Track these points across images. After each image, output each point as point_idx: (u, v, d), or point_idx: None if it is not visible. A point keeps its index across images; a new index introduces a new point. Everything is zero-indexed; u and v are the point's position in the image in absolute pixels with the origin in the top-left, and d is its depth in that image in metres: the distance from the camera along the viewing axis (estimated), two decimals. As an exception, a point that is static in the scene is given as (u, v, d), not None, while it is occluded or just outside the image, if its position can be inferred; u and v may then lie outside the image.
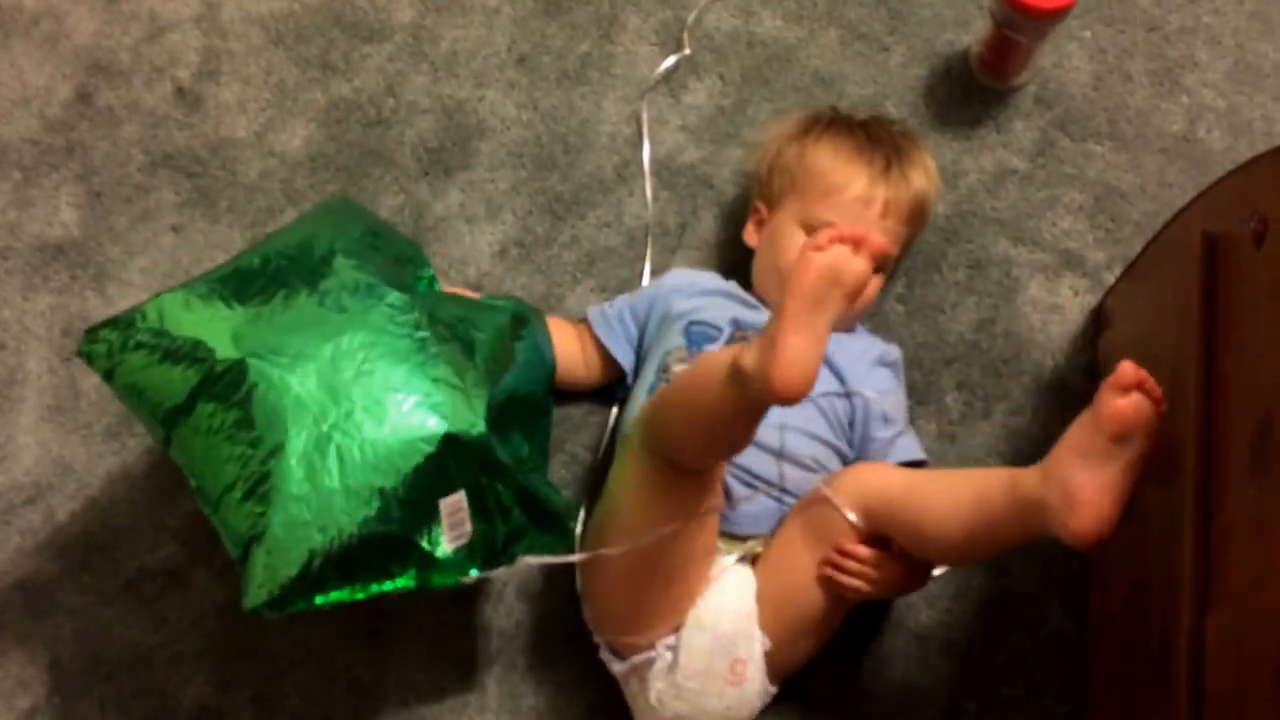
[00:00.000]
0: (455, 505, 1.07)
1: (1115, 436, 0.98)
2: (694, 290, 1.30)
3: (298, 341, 1.07)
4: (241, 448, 1.05)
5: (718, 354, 1.03)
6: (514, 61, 1.49)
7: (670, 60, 1.47)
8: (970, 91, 1.45)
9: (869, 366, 1.26)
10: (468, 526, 1.08)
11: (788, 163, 1.29)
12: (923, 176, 1.28)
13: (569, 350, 1.31)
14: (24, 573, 1.32)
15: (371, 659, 1.27)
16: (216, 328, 1.09)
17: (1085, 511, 0.98)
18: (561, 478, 1.33)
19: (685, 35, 1.48)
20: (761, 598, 1.16)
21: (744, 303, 1.28)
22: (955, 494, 1.08)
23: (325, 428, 1.04)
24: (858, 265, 0.99)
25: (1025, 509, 1.02)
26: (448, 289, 1.26)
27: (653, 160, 1.44)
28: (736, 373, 0.98)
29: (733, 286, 1.31)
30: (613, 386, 1.34)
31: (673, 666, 1.15)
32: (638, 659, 1.17)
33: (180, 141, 1.47)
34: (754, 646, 1.15)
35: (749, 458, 1.18)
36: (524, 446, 1.16)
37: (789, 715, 1.25)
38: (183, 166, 1.46)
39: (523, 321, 1.19)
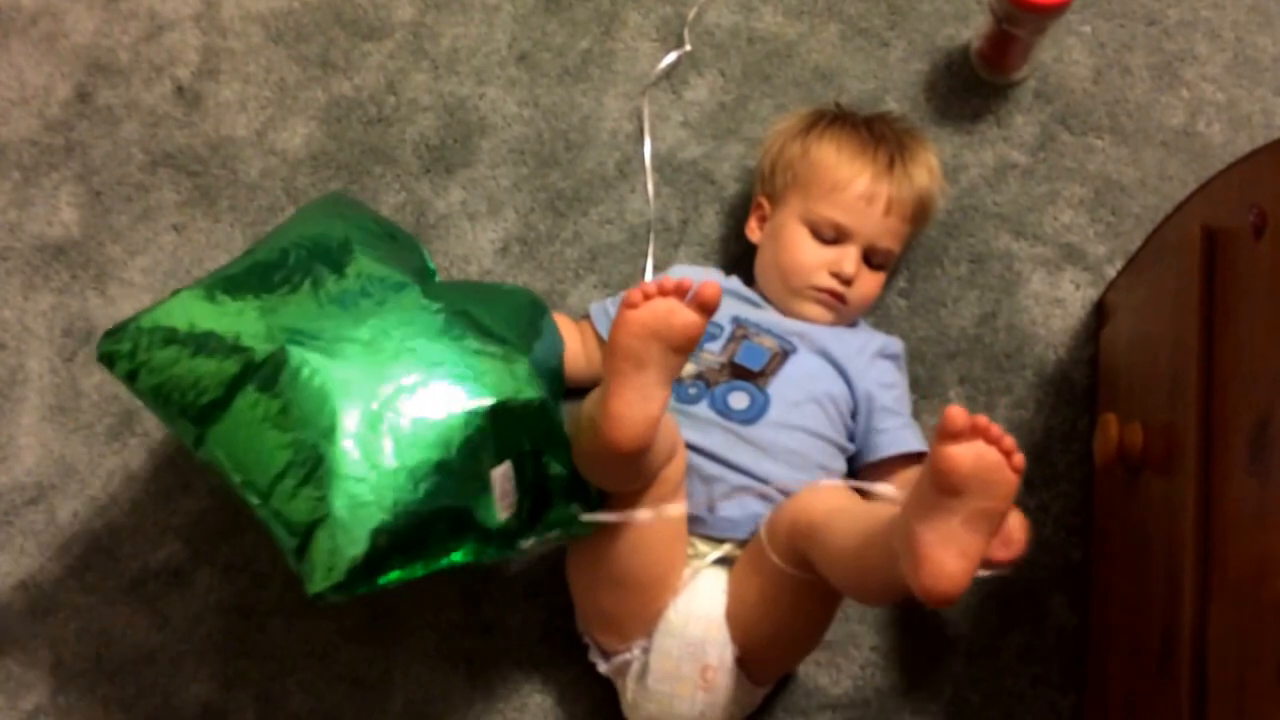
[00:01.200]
0: (505, 475, 1.08)
1: (943, 488, 0.90)
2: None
3: (332, 326, 1.07)
4: (291, 434, 1.03)
5: (592, 396, 1.07)
6: (515, 58, 1.49)
7: (671, 56, 1.47)
8: (970, 86, 1.45)
9: (870, 359, 1.26)
10: (515, 495, 1.09)
11: (791, 159, 1.29)
12: (926, 174, 1.28)
13: (571, 347, 1.31)
14: (26, 573, 1.32)
15: (375, 657, 1.28)
16: (247, 319, 1.08)
17: (926, 567, 0.90)
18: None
19: (686, 31, 1.48)
20: (730, 606, 1.15)
21: (745, 300, 1.29)
22: (854, 528, 1.03)
23: (375, 406, 1.03)
24: (684, 317, 1.00)
25: (893, 559, 0.95)
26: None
27: (654, 156, 1.44)
28: (587, 422, 1.02)
29: (734, 283, 1.31)
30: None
31: (644, 670, 1.16)
32: (617, 660, 1.18)
33: (180, 140, 1.47)
34: (725, 653, 1.14)
35: (738, 454, 1.18)
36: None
37: (792, 710, 1.25)
38: (183, 165, 1.46)
39: (538, 304, 1.21)
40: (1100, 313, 1.36)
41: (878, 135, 1.28)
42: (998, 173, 1.42)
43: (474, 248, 1.41)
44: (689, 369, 1.22)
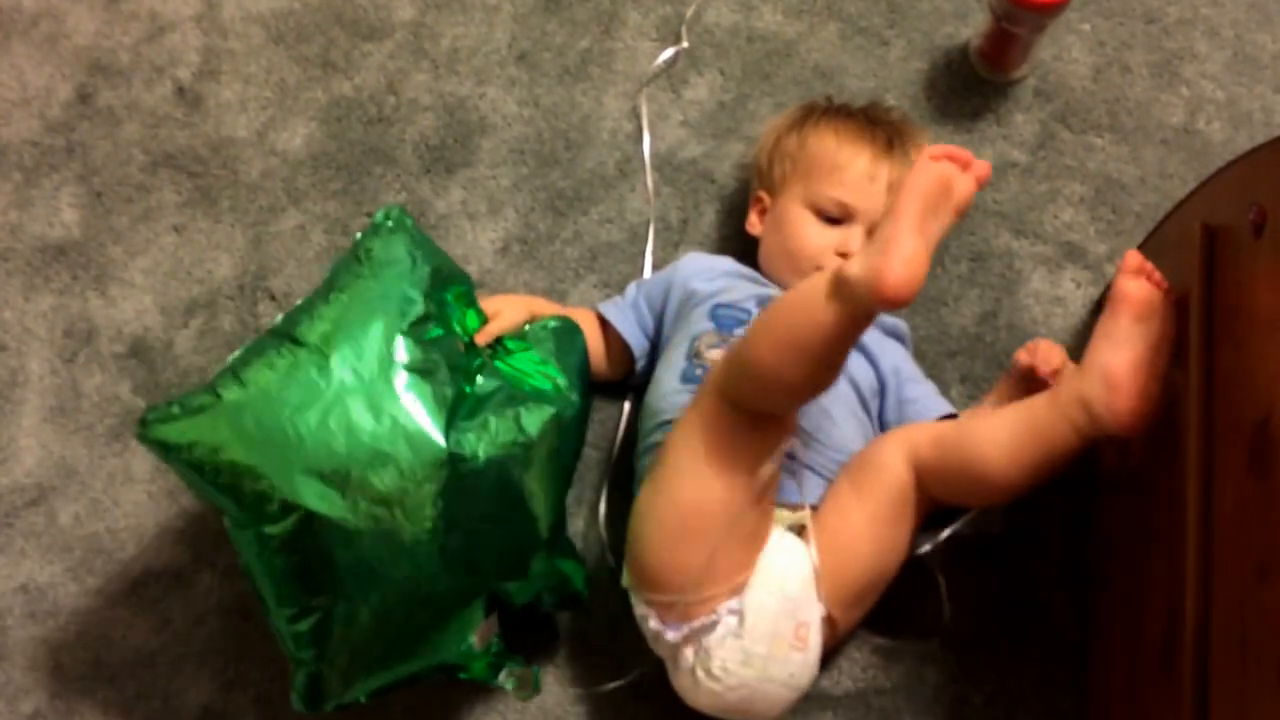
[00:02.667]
0: (488, 628, 1.16)
1: (1136, 316, 1.07)
2: (714, 273, 1.29)
3: (360, 485, 1.05)
4: (299, 588, 1.07)
5: (811, 278, 1.03)
6: (515, 58, 1.49)
7: (668, 52, 1.47)
8: (970, 85, 1.45)
9: (881, 337, 1.27)
10: (495, 628, 1.17)
11: (788, 150, 1.29)
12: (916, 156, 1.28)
13: (590, 350, 1.30)
14: (26, 575, 1.32)
15: (376, 657, 1.28)
16: (282, 462, 1.05)
17: (1124, 390, 1.05)
18: (567, 474, 1.33)
19: (684, 29, 1.48)
20: (820, 563, 1.13)
21: (764, 284, 1.28)
22: (1001, 419, 1.11)
23: (379, 578, 1.07)
24: (967, 184, 1.02)
25: (1070, 409, 1.07)
26: (486, 304, 1.24)
27: (654, 155, 1.44)
28: (841, 284, 0.99)
29: (750, 270, 1.31)
30: (622, 382, 1.33)
31: (739, 630, 1.10)
32: (696, 623, 1.12)
33: (181, 141, 1.47)
34: (814, 611, 1.13)
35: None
36: (561, 511, 1.21)
37: (792, 709, 1.25)
38: (184, 166, 1.46)
39: (575, 416, 1.19)
40: (1101, 311, 1.35)
41: (873, 119, 1.29)
42: (998, 171, 1.41)
43: (474, 247, 1.41)
44: (721, 355, 1.20)
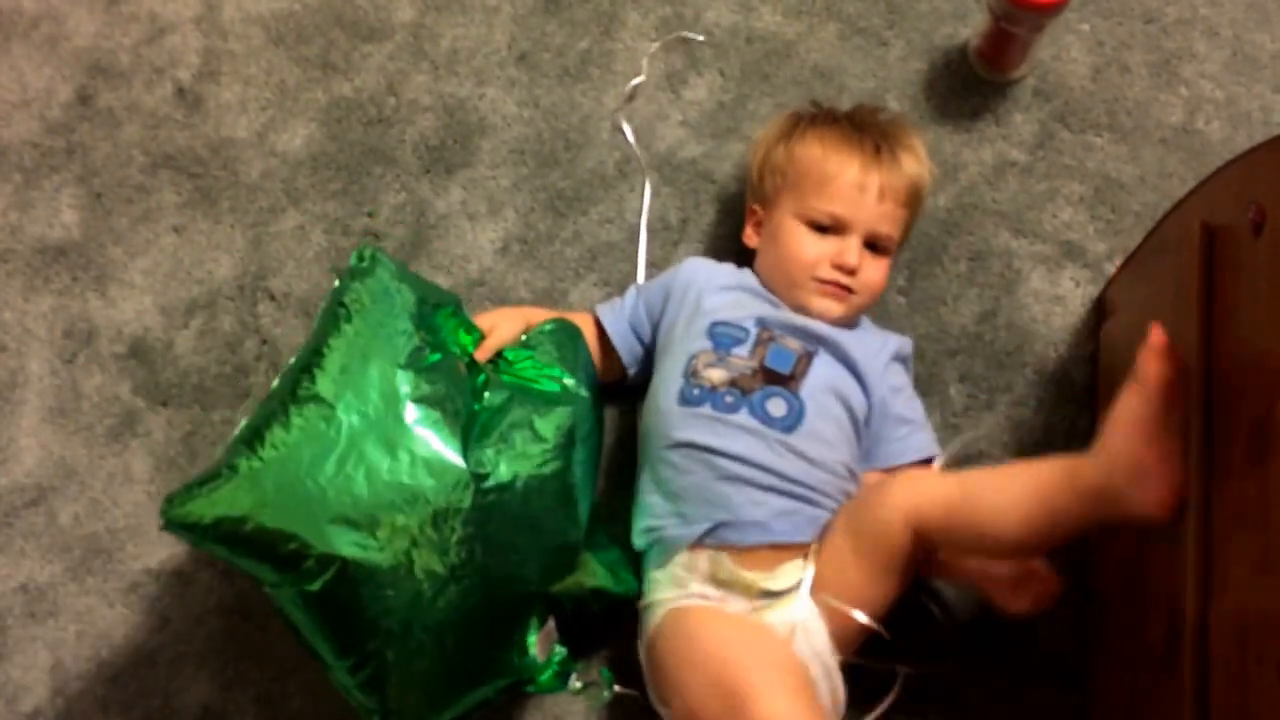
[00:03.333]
0: (548, 633, 1.16)
1: (1166, 401, 1.00)
2: (715, 286, 1.29)
3: (387, 521, 1.06)
4: (351, 638, 1.08)
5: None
6: (514, 59, 1.49)
7: (658, 43, 1.47)
8: (969, 85, 1.45)
9: (886, 363, 1.26)
10: (556, 638, 1.17)
11: (777, 163, 1.29)
12: (914, 159, 1.28)
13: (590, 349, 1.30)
14: (26, 574, 1.32)
15: (376, 657, 1.27)
16: (307, 517, 1.05)
17: (1159, 482, 0.99)
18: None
19: (683, 30, 1.48)
20: (827, 624, 1.13)
21: (764, 298, 1.27)
22: (1013, 494, 1.07)
23: (431, 624, 1.08)
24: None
25: (1092, 497, 1.02)
26: (481, 320, 1.25)
27: (654, 156, 1.44)
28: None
29: (750, 279, 1.30)
30: (620, 382, 1.33)
31: None
32: None
33: (181, 142, 1.47)
34: (836, 673, 1.13)
35: (786, 464, 1.17)
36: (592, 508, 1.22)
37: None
38: (184, 167, 1.46)
39: (585, 411, 1.20)
40: (1100, 310, 1.36)
41: (859, 126, 1.28)
42: (997, 171, 1.42)
43: (474, 247, 1.41)
44: (721, 375, 1.20)
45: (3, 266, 1.43)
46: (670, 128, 1.45)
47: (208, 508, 1.05)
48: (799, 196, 1.26)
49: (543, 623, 1.15)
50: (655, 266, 1.39)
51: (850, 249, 1.24)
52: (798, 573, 1.15)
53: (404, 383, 1.09)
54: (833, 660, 1.13)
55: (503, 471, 1.10)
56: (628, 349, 1.30)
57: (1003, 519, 1.07)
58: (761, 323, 1.24)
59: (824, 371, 1.21)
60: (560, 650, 1.17)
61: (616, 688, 1.20)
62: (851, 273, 1.24)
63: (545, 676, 1.16)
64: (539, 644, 1.14)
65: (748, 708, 1.03)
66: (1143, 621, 1.09)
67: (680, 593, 1.16)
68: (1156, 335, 1.01)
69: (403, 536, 1.06)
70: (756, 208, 1.31)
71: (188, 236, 1.44)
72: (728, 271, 1.31)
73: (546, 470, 1.12)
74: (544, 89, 1.47)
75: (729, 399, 1.19)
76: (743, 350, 1.22)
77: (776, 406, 1.18)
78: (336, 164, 1.45)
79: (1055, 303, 1.37)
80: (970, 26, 1.47)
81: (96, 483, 1.35)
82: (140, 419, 1.37)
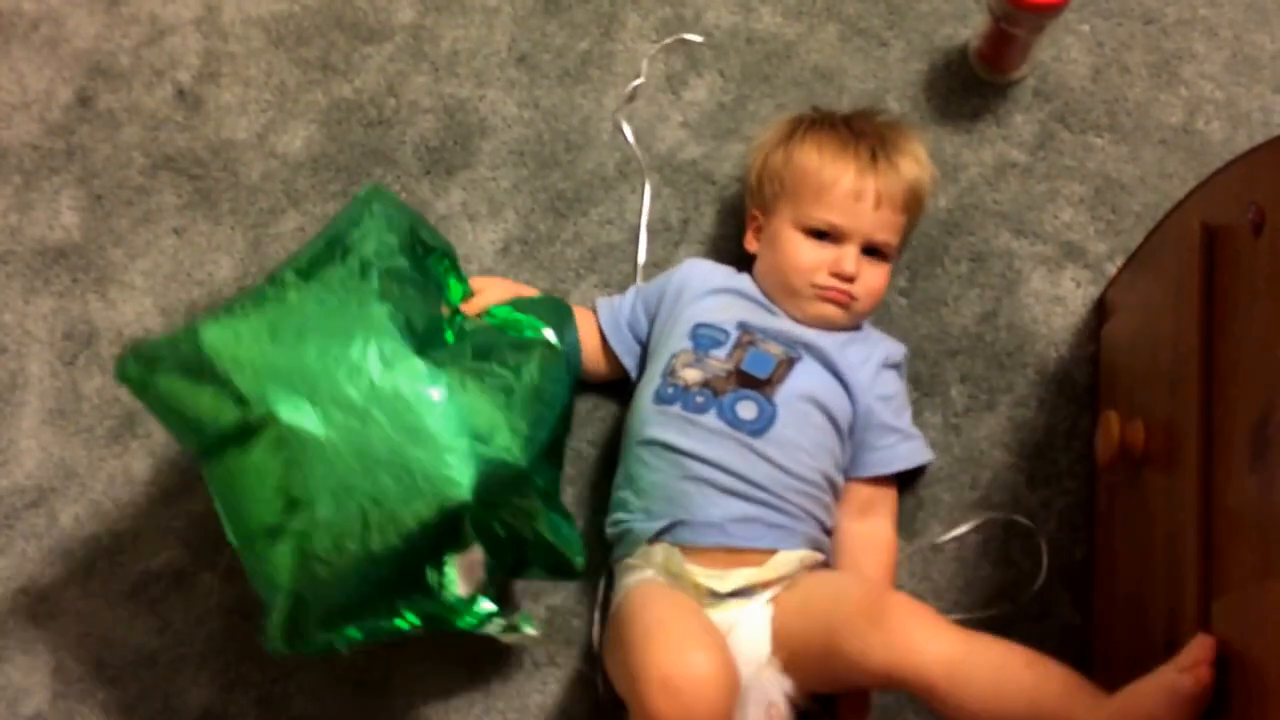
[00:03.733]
0: (471, 561, 1.11)
1: (1200, 707, 0.93)
2: (706, 288, 1.29)
3: (328, 392, 1.07)
4: (269, 502, 1.07)
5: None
6: (514, 60, 1.49)
7: (658, 45, 1.47)
8: (969, 85, 1.45)
9: (875, 371, 1.25)
10: (481, 575, 1.12)
11: (775, 169, 1.29)
12: (913, 164, 1.27)
13: (588, 343, 1.31)
14: (27, 577, 1.32)
15: (377, 659, 1.27)
16: (252, 367, 1.08)
17: None
18: (567, 473, 1.32)
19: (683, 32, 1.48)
20: (779, 650, 1.13)
21: (756, 302, 1.28)
22: (1003, 700, 1.02)
23: (350, 489, 1.06)
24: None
25: None
26: (475, 281, 1.28)
27: (654, 157, 1.44)
28: None
29: (746, 284, 1.30)
30: (623, 380, 1.33)
31: None
32: None
33: (181, 144, 1.47)
34: (781, 688, 1.12)
35: (751, 467, 1.17)
36: (552, 473, 1.20)
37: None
38: (184, 169, 1.46)
39: (554, 356, 1.18)
40: (1101, 310, 1.36)
41: (857, 131, 1.28)
42: (997, 171, 1.42)
43: (475, 248, 1.41)
44: (696, 376, 1.21)
45: (3, 268, 1.43)
46: (670, 129, 1.45)
47: (160, 349, 1.10)
48: (796, 204, 1.26)
49: (465, 547, 1.11)
50: (656, 267, 1.39)
51: (848, 256, 1.24)
52: (747, 579, 1.15)
53: (374, 279, 1.12)
54: (774, 678, 1.12)
55: (454, 376, 1.10)
56: (624, 347, 1.31)
57: (984, 709, 1.02)
58: (743, 326, 1.24)
59: (805, 378, 1.21)
60: (486, 596, 1.14)
61: (532, 630, 1.16)
62: (850, 280, 1.24)
63: (465, 614, 1.13)
64: (460, 571, 1.11)
65: (648, 647, 1.05)
66: (1143, 623, 1.09)
67: (639, 578, 1.17)
68: (1204, 645, 0.93)
69: (343, 410, 1.06)
70: (756, 213, 1.31)
71: (188, 238, 1.44)
72: (722, 274, 1.32)
73: (498, 384, 1.11)
74: (544, 90, 1.47)
75: (699, 399, 1.20)
76: (721, 352, 1.22)
77: (747, 409, 1.19)
78: (337, 165, 1.45)
79: (1056, 303, 1.37)
80: (970, 27, 1.47)
81: (97, 485, 1.35)
82: (140, 421, 1.37)
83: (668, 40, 1.48)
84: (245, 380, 1.07)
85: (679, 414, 1.19)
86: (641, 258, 1.40)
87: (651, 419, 1.21)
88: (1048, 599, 1.27)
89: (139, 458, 1.36)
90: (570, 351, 1.24)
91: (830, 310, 1.25)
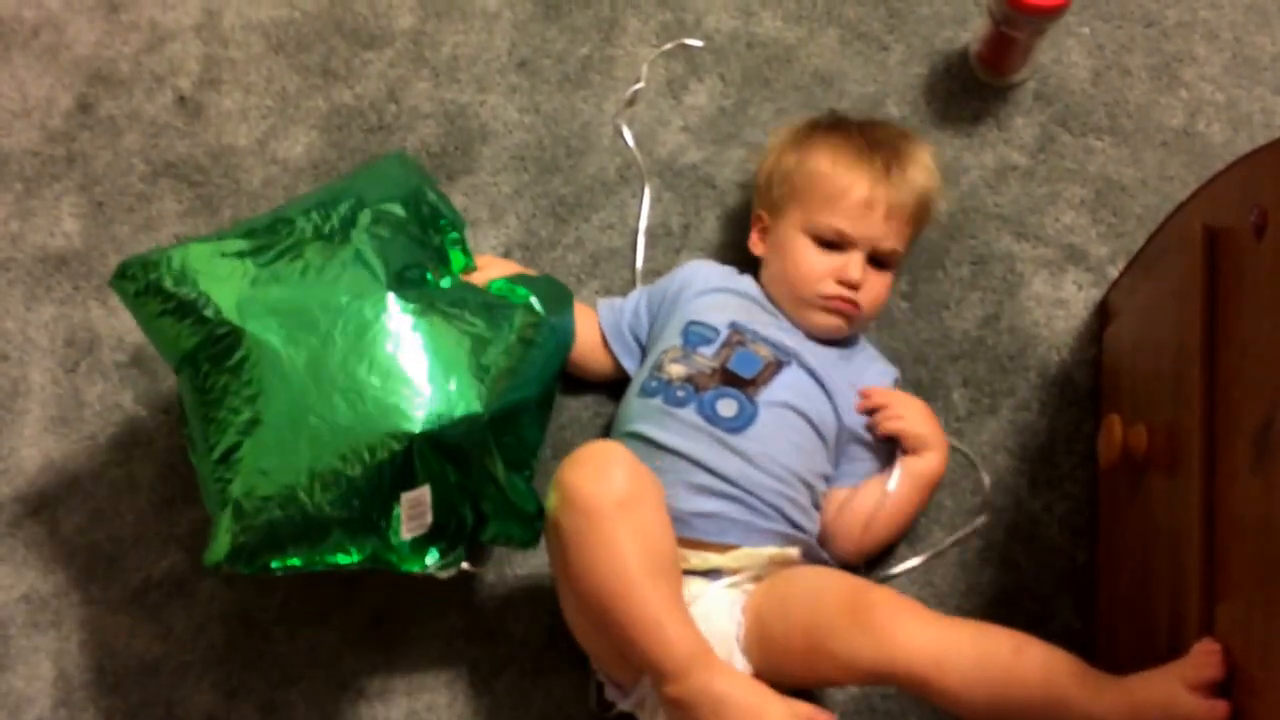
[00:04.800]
0: (417, 499, 1.10)
1: None
2: (704, 287, 1.30)
3: (298, 315, 1.09)
4: (224, 413, 1.09)
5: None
6: (515, 65, 1.49)
7: (658, 49, 1.47)
8: (970, 89, 1.45)
9: (874, 378, 1.26)
10: (428, 519, 1.11)
11: (787, 171, 1.28)
12: (924, 175, 1.28)
13: (585, 339, 1.31)
14: (29, 584, 1.32)
15: (379, 666, 1.27)
16: (230, 287, 1.11)
17: None
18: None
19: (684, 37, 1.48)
20: (749, 636, 1.12)
21: (754, 302, 1.28)
22: (996, 686, 1.02)
23: (303, 408, 1.07)
24: None
25: None
26: (480, 259, 1.29)
27: (655, 161, 1.44)
28: None
29: (749, 285, 1.31)
30: (623, 381, 1.33)
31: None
32: (635, 695, 1.13)
33: (182, 150, 1.47)
34: (741, 670, 1.11)
35: (723, 462, 1.17)
36: (523, 438, 1.18)
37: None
38: (185, 175, 1.46)
39: (535, 322, 1.17)
40: (1103, 313, 1.35)
41: (871, 141, 1.27)
42: (998, 174, 1.42)
43: (477, 254, 1.40)
44: (680, 371, 1.22)
45: (4, 275, 1.43)
46: (671, 133, 1.45)
47: (165, 262, 1.13)
48: (805, 209, 1.26)
49: (413, 484, 1.10)
50: (656, 273, 1.39)
51: (854, 263, 1.24)
52: (707, 562, 1.15)
53: (363, 216, 1.16)
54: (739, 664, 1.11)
55: (422, 314, 1.11)
56: (623, 347, 1.31)
57: (979, 696, 1.02)
58: (735, 326, 1.25)
59: (790, 384, 1.22)
60: (433, 553, 1.13)
61: (466, 565, 1.16)
62: (855, 287, 1.24)
63: (407, 562, 1.12)
64: (406, 510, 1.10)
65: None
66: (1146, 628, 1.09)
67: None
68: (1216, 660, 0.93)
69: (307, 331, 1.08)
70: (763, 214, 1.31)
71: (189, 245, 1.43)
72: (722, 274, 1.32)
73: (468, 332, 1.12)
74: (545, 95, 1.47)
75: (680, 394, 1.20)
76: (708, 350, 1.23)
77: (727, 407, 1.19)
78: (337, 171, 1.45)
79: (1058, 306, 1.37)
80: (970, 31, 1.47)
81: (99, 492, 1.35)
82: (142, 428, 1.37)
83: (668, 45, 1.49)
84: (220, 294, 1.10)
85: (659, 406, 1.20)
86: (640, 263, 1.39)
87: (634, 411, 1.22)
88: (1052, 604, 1.27)
89: (141, 465, 1.35)
90: (561, 331, 1.22)
91: (834, 321, 1.25)
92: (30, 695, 1.28)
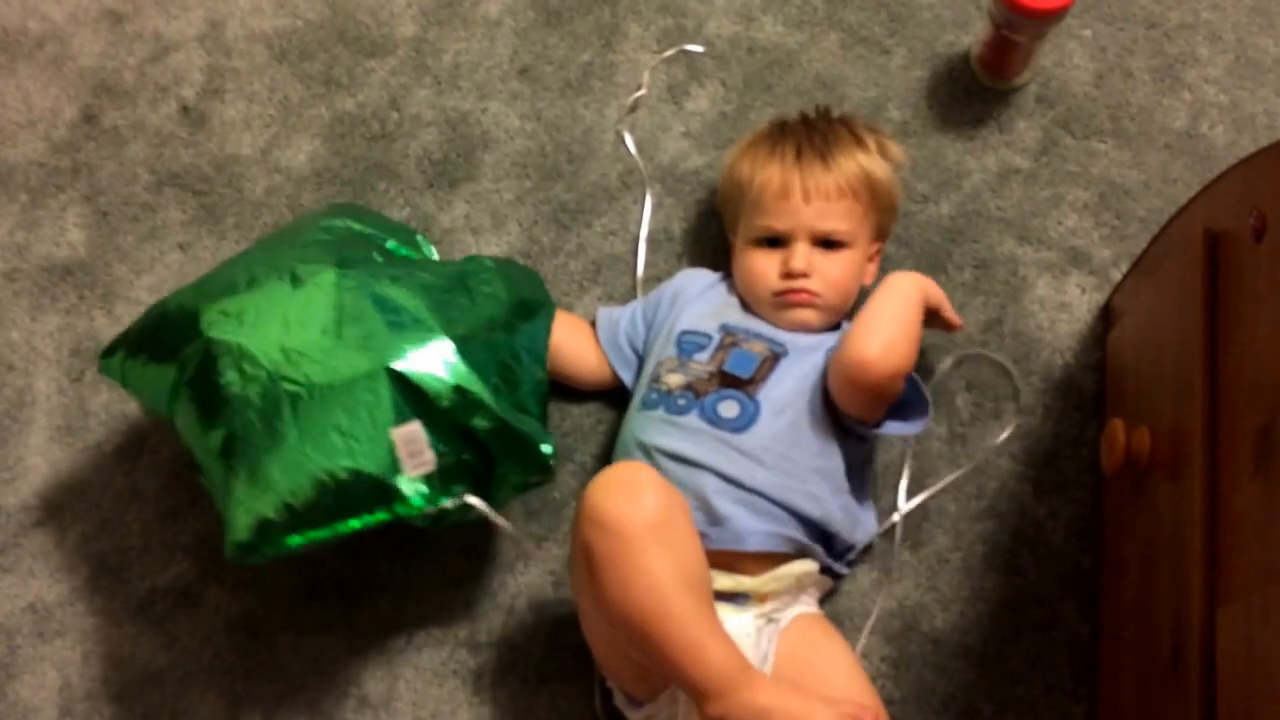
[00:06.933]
0: (409, 435, 1.10)
1: None
2: (695, 295, 1.30)
3: (254, 314, 1.13)
4: (209, 427, 1.12)
5: None
6: (516, 72, 1.49)
7: (660, 55, 1.47)
8: (972, 92, 1.45)
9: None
10: (428, 455, 1.11)
11: (727, 193, 1.32)
12: (849, 153, 1.26)
13: (582, 349, 1.31)
14: (34, 594, 1.33)
15: (383, 674, 1.27)
16: (194, 300, 1.17)
17: None
18: (571, 487, 1.32)
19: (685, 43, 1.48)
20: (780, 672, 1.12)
21: (736, 307, 1.29)
22: None
23: (279, 381, 1.10)
24: None
25: None
26: None
27: (656, 167, 1.44)
28: None
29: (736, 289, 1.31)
30: (625, 393, 1.33)
31: (683, 715, 1.11)
32: (647, 710, 1.14)
33: (186, 160, 1.48)
34: None
35: (732, 465, 1.16)
36: (524, 359, 1.18)
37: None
38: (189, 185, 1.47)
39: (483, 269, 1.21)
40: (1107, 317, 1.35)
41: (785, 132, 1.29)
42: (1001, 178, 1.41)
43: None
44: (678, 379, 1.22)
45: (10, 286, 1.44)
46: (673, 139, 1.45)
47: (134, 331, 1.21)
48: (744, 219, 1.28)
49: (403, 418, 1.10)
50: (658, 279, 1.39)
51: (794, 254, 1.24)
52: (734, 583, 1.15)
53: (316, 223, 1.24)
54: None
55: (367, 276, 1.15)
56: (620, 359, 1.31)
57: None
58: (725, 329, 1.25)
59: (789, 375, 1.22)
60: (434, 489, 1.12)
61: (470, 498, 1.14)
62: (802, 276, 1.24)
63: (412, 496, 1.11)
64: (400, 446, 1.10)
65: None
66: (1150, 626, 1.09)
67: None
68: None
69: (269, 323, 1.12)
70: (731, 240, 1.33)
71: (193, 254, 1.44)
72: (712, 281, 1.33)
73: (415, 283, 1.16)
74: (546, 102, 1.47)
75: (681, 401, 1.20)
76: (703, 356, 1.24)
77: (728, 408, 1.19)
78: (340, 179, 1.45)
79: (1061, 310, 1.36)
80: (972, 34, 1.47)
81: (105, 501, 1.35)
82: (148, 437, 1.37)
83: (669, 51, 1.49)
84: (188, 315, 1.15)
85: (662, 416, 1.20)
86: (640, 270, 1.39)
87: (638, 424, 1.23)
88: (1056, 608, 1.26)
89: (146, 474, 1.36)
90: (531, 289, 1.25)
91: (800, 314, 1.25)
92: (36, 705, 1.29)
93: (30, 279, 1.44)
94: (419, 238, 1.31)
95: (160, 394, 1.17)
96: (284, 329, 1.12)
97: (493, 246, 1.41)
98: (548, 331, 1.22)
